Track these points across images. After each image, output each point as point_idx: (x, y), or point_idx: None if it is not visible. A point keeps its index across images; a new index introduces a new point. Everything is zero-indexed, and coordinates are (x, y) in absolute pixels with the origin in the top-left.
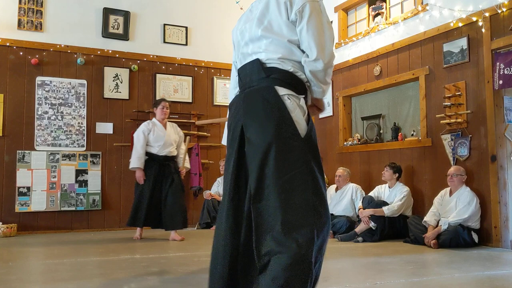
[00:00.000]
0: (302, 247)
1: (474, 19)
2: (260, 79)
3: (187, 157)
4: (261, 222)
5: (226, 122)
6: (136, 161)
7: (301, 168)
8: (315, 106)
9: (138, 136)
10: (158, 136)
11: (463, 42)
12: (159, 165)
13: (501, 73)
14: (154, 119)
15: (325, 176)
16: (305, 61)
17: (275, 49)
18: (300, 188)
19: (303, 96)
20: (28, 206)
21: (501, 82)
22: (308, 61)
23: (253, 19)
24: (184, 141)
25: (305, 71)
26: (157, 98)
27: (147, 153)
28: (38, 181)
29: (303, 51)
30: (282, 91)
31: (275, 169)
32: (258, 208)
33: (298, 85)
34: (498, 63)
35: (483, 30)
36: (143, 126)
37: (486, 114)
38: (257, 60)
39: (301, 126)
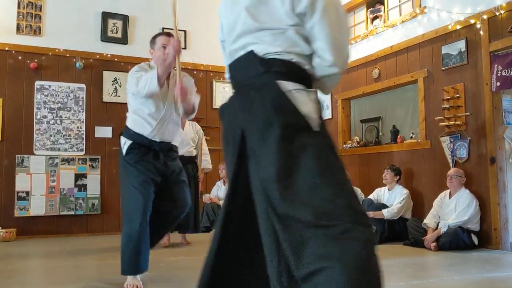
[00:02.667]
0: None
1: (472, 21)
2: (257, 75)
3: (208, 158)
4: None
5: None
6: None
7: (333, 169)
8: None
9: None
10: None
11: (461, 45)
12: None
13: (498, 74)
14: None
15: None
16: (318, 64)
17: (274, 41)
18: (335, 192)
19: (315, 90)
20: (27, 210)
21: (498, 84)
22: (322, 66)
23: (243, 7)
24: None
25: (314, 71)
26: None
27: None
28: (37, 185)
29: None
30: (288, 85)
31: (298, 177)
32: (291, 227)
33: (306, 79)
34: (496, 65)
35: (481, 32)
36: None
37: (485, 116)
38: (252, 52)
39: (314, 122)
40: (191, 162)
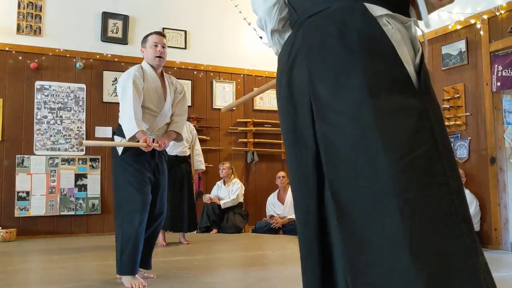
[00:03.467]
0: None
1: (473, 21)
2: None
3: (201, 158)
4: (360, 248)
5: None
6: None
7: (426, 145)
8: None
9: None
10: None
11: (461, 45)
12: (170, 166)
13: (499, 75)
14: None
15: None
16: None
17: None
18: (430, 182)
19: (413, 20)
20: (28, 210)
21: (499, 84)
22: None
23: None
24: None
25: None
26: None
27: None
28: (38, 185)
29: None
30: (377, 10)
31: (377, 150)
32: (353, 223)
33: (401, 2)
34: (496, 65)
35: (482, 32)
36: None
37: (485, 117)
38: None
39: (412, 71)
40: (184, 161)
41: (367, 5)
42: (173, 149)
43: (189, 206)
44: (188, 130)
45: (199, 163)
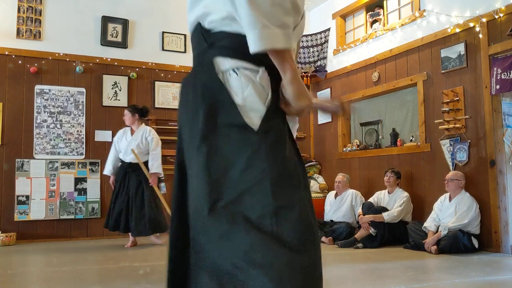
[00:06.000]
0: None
1: (472, 24)
2: (202, 51)
3: (157, 162)
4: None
5: None
6: (106, 167)
7: (256, 179)
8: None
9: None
10: (122, 143)
11: (460, 48)
12: (124, 171)
13: (498, 78)
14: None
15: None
16: None
17: (218, 6)
18: (247, 220)
19: (263, 67)
20: (27, 214)
21: (498, 87)
22: None
23: None
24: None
25: None
26: (156, 105)
27: (120, 160)
28: (37, 189)
29: None
30: (225, 64)
31: (204, 169)
32: (196, 242)
33: (257, 56)
34: (495, 68)
35: (481, 35)
36: (117, 133)
37: (484, 119)
38: (198, 25)
39: (254, 113)
40: (138, 167)
41: (218, 59)
42: (125, 155)
43: (151, 208)
44: (143, 136)
45: (152, 166)
